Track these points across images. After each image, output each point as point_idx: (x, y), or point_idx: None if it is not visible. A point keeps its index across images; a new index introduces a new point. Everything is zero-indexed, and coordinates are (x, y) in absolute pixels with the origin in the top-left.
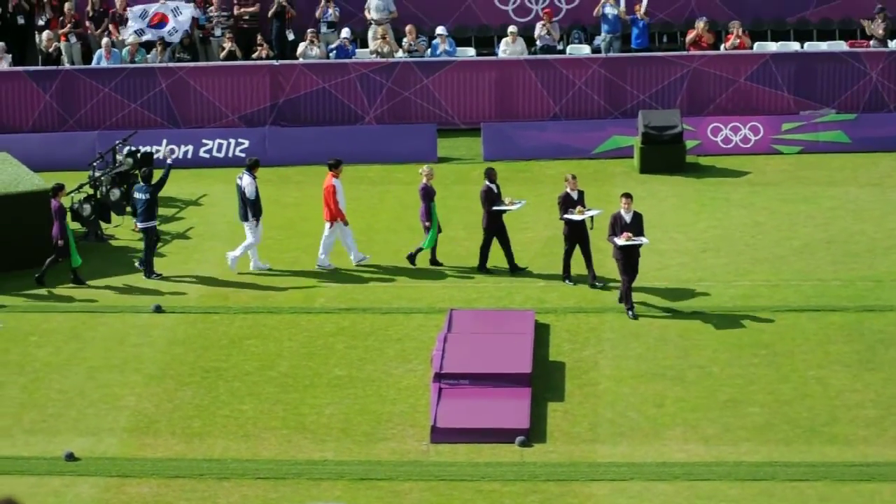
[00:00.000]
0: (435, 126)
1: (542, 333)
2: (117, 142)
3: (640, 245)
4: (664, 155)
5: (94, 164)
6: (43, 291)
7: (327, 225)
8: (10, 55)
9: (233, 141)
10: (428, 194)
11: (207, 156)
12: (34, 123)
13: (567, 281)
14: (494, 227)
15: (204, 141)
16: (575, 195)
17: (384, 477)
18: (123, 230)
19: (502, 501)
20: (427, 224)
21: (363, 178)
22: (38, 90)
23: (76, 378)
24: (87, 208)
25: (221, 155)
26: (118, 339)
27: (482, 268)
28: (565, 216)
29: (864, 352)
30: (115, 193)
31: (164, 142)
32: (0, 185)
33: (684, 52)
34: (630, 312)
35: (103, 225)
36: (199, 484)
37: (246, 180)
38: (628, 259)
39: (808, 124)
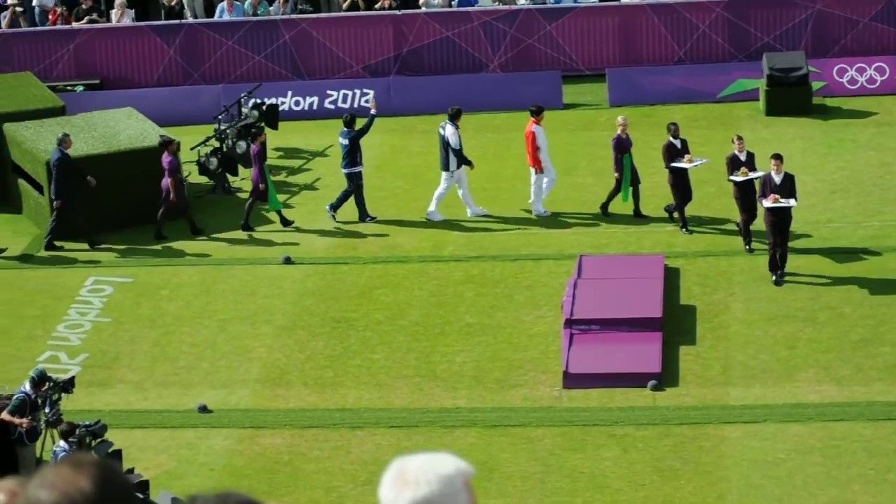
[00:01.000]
0: (559, 72)
1: (671, 277)
2: (242, 94)
3: (788, 207)
4: (790, 97)
5: (220, 117)
6: (171, 245)
7: (532, 171)
8: (133, 10)
9: (357, 91)
10: (620, 145)
11: (332, 107)
12: (159, 78)
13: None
14: (682, 184)
15: (328, 92)
16: (744, 156)
17: (517, 423)
18: (250, 182)
19: (635, 446)
20: (616, 175)
21: (488, 126)
22: (161, 45)
23: (207, 331)
24: (214, 161)
25: (346, 105)
26: (248, 291)
27: (683, 227)
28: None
29: None
30: (241, 146)
31: (289, 94)
32: (126, 140)
33: None
34: (778, 279)
35: (230, 178)
36: (332, 433)
37: (449, 130)
38: (778, 221)
39: None
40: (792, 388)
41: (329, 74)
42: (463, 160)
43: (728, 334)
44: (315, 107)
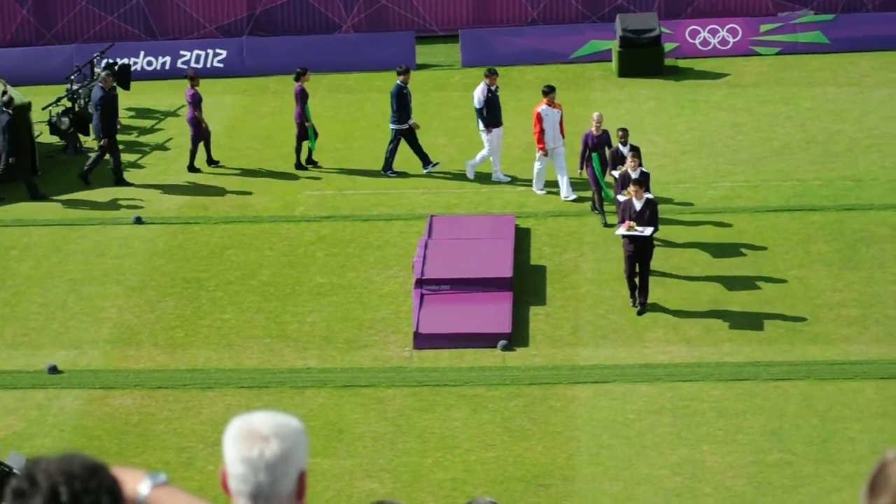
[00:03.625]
0: (413, 33)
1: (522, 238)
2: (95, 54)
3: (647, 236)
4: (642, 58)
5: (72, 77)
6: (25, 205)
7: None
8: None
9: (210, 52)
10: (586, 142)
11: (185, 67)
12: (11, 38)
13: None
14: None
15: (181, 52)
16: (637, 174)
17: (367, 384)
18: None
19: (486, 406)
20: (580, 171)
21: (341, 87)
22: (14, 4)
23: (57, 291)
24: (66, 121)
25: (199, 66)
26: (99, 251)
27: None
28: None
29: (844, 251)
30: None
31: (142, 54)
32: None
33: None
34: (641, 308)
35: (81, 138)
36: (182, 394)
37: (478, 88)
38: (636, 249)
39: (786, 25)
40: (641, 348)
41: (182, 34)
42: (481, 120)
43: (578, 294)
44: (168, 67)
